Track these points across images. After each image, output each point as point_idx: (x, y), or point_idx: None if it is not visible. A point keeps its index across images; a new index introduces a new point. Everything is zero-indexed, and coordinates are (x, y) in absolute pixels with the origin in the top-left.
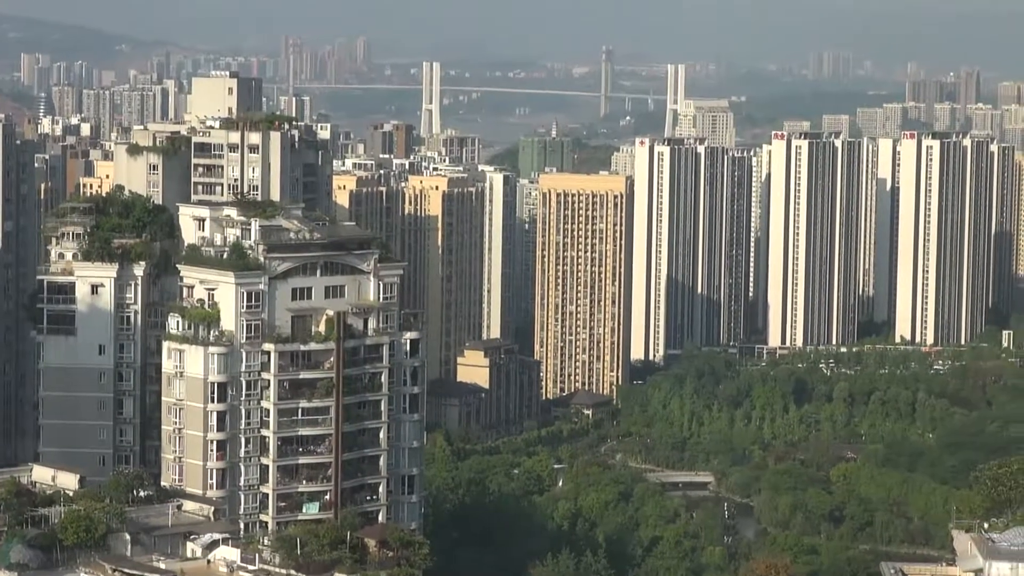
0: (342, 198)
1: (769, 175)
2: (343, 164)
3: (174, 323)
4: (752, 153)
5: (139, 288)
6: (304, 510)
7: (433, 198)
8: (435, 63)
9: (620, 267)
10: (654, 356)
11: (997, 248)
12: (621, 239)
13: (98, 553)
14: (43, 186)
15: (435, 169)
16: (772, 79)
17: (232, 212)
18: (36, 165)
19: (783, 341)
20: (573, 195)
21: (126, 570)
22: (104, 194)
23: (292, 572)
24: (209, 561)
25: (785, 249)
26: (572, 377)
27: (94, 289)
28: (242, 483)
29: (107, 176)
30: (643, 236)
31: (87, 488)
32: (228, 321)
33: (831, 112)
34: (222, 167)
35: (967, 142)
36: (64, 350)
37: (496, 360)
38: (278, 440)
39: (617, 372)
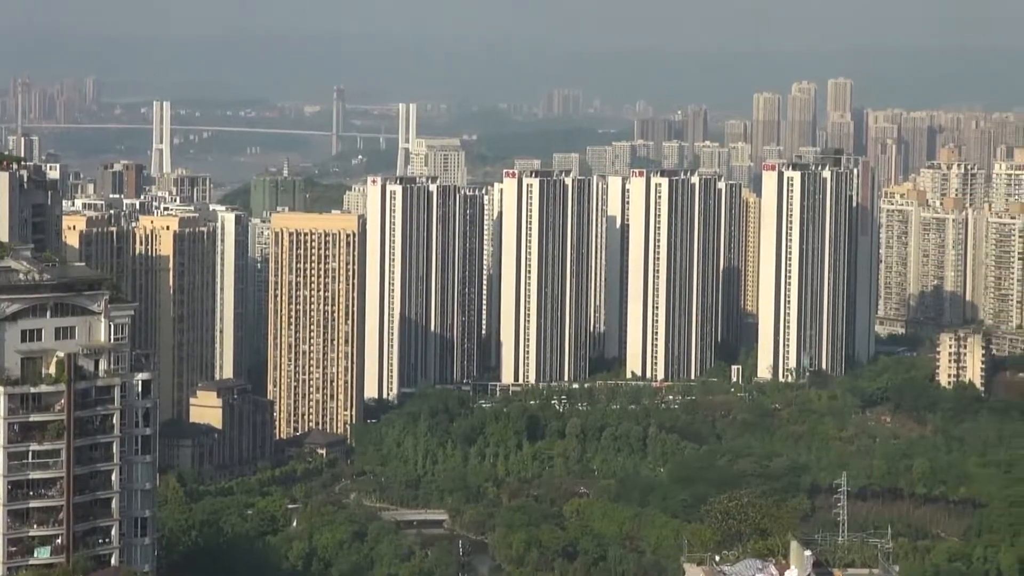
0: (72, 239)
1: (501, 213)
2: (73, 204)
3: None
4: (484, 191)
5: None
6: (35, 555)
7: (164, 238)
8: (165, 102)
9: (353, 306)
10: (388, 394)
11: (725, 284)
12: (354, 278)
13: None
14: None
15: (166, 209)
16: (503, 117)
17: None
18: None
19: (516, 378)
20: (305, 234)
21: None
22: None
23: None
24: None
25: (517, 286)
26: (306, 416)
27: None
28: None
29: None
30: (376, 275)
31: None
32: None
33: (562, 150)
34: None
35: (695, 179)
36: None
37: (229, 400)
38: (8, 484)
39: (351, 411)
